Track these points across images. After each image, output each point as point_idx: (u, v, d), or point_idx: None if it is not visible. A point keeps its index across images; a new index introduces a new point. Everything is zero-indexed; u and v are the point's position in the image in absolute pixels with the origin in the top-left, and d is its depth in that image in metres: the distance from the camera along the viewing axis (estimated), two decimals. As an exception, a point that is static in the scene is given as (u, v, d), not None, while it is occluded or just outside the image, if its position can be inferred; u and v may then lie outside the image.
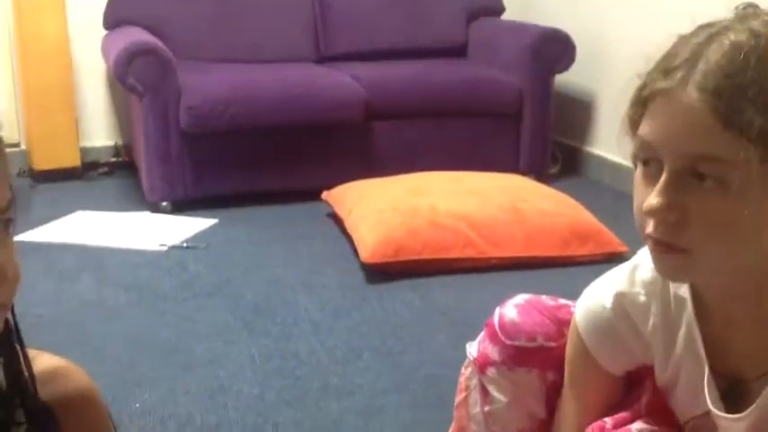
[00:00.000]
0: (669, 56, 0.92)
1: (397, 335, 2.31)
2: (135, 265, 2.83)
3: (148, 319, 2.42)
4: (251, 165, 3.46)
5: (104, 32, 3.76)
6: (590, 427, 1.17)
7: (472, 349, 1.33)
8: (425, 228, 2.77)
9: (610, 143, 3.79)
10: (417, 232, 2.76)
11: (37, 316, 2.36)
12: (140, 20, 3.72)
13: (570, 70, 3.72)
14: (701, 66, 0.87)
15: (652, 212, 0.91)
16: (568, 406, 1.23)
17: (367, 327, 2.36)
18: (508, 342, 1.26)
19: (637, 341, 1.12)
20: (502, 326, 1.28)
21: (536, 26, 3.77)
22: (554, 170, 3.92)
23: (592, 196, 3.33)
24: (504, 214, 2.87)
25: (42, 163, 3.81)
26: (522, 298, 1.31)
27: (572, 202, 3.05)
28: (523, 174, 3.57)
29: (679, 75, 0.88)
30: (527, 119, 3.71)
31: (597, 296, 1.14)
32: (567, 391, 1.24)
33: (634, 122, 0.94)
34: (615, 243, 2.82)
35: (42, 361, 0.92)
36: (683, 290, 1.05)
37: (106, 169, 3.97)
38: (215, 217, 3.29)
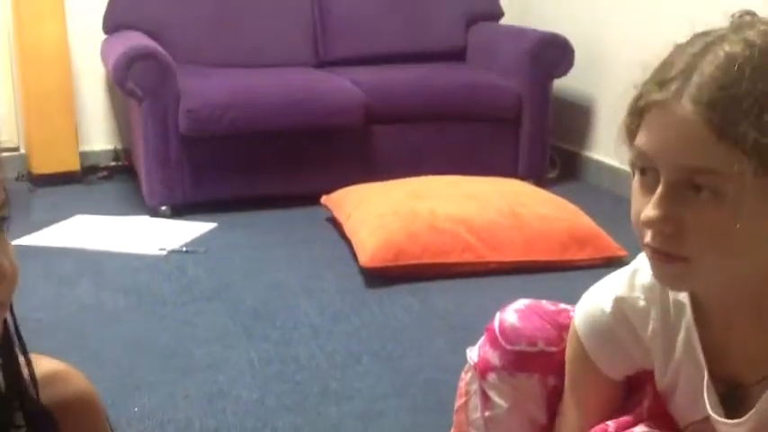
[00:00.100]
0: (665, 66, 0.92)
1: (397, 339, 2.31)
2: (134, 270, 2.82)
3: (148, 324, 2.42)
4: (250, 169, 3.46)
5: (104, 37, 3.76)
6: (593, 431, 1.17)
7: (472, 354, 1.33)
8: (425, 232, 2.77)
9: (608, 148, 3.79)
10: (417, 236, 2.76)
11: (36, 320, 2.36)
12: (140, 24, 3.73)
13: (569, 75, 3.72)
14: (696, 77, 0.88)
15: (649, 224, 0.91)
16: (569, 411, 1.23)
17: (366, 331, 2.36)
18: (509, 347, 1.27)
19: (636, 346, 1.12)
20: (502, 331, 1.28)
21: (535, 31, 3.78)
22: (553, 175, 3.92)
23: (590, 201, 3.34)
24: (503, 219, 2.87)
25: (42, 167, 3.81)
26: (522, 303, 1.31)
27: (571, 206, 3.05)
28: (522, 178, 3.57)
29: (674, 86, 0.89)
30: (526, 123, 3.71)
31: (596, 300, 1.15)
32: (567, 397, 1.24)
33: (631, 132, 0.94)
34: (614, 247, 2.83)
35: (42, 365, 0.93)
36: (682, 295, 1.05)
37: (105, 173, 3.97)
38: (214, 221, 3.29)
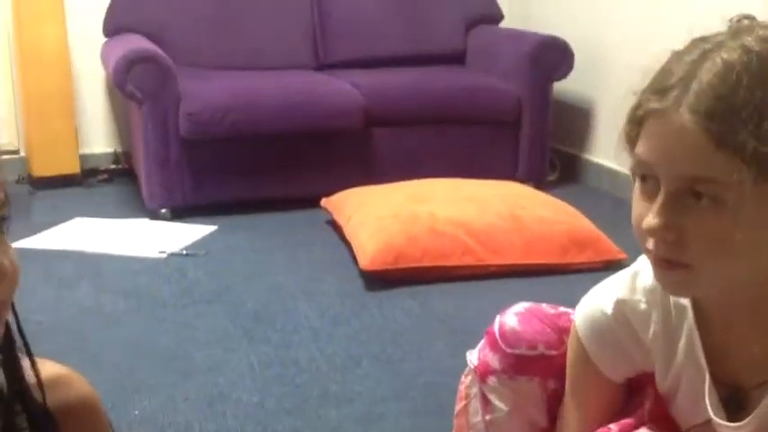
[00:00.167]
0: (663, 74, 0.92)
1: (397, 342, 2.31)
2: (134, 272, 2.82)
3: (148, 326, 2.42)
4: (250, 172, 3.46)
5: (104, 40, 3.76)
6: (595, 433, 1.18)
7: (472, 357, 1.33)
8: (425, 235, 2.77)
9: (608, 151, 3.79)
10: (417, 239, 2.76)
11: (36, 323, 2.35)
12: (140, 27, 3.73)
13: (569, 78, 3.72)
14: (694, 86, 0.87)
15: (651, 232, 0.91)
16: (570, 414, 1.23)
17: (366, 334, 2.36)
18: (509, 350, 1.27)
19: (637, 348, 1.12)
20: (502, 334, 1.28)
21: (534, 34, 3.78)
22: (552, 177, 3.92)
23: (590, 204, 3.34)
24: (502, 222, 2.87)
25: (42, 170, 3.81)
26: (522, 306, 1.31)
27: (570, 209, 3.05)
28: (522, 181, 3.57)
29: (672, 95, 0.89)
30: (526, 126, 3.71)
31: (598, 302, 1.15)
32: (568, 399, 1.24)
33: (631, 140, 0.94)
34: (614, 250, 2.83)
35: (45, 369, 0.93)
36: (684, 298, 1.05)
37: (105, 176, 3.97)
38: (214, 224, 3.29)
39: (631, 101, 0.94)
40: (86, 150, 4.01)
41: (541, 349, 1.26)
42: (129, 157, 3.99)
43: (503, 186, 3.26)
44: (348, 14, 4.01)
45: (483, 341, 1.32)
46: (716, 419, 1.03)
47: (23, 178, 3.84)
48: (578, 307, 1.19)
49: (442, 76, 3.84)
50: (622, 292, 1.11)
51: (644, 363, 1.13)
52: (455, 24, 4.09)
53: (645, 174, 0.93)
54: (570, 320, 1.24)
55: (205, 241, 3.13)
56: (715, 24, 0.94)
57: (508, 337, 1.27)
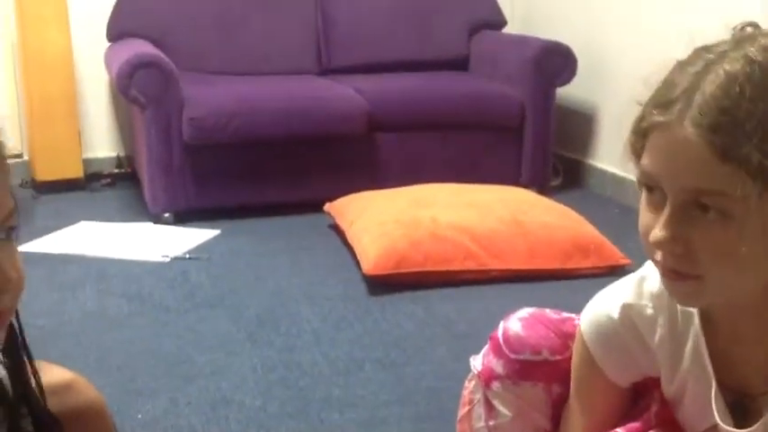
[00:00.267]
0: (666, 86, 0.91)
1: (400, 347, 2.31)
2: (137, 276, 2.83)
3: (151, 330, 2.42)
4: (253, 176, 3.46)
5: (107, 44, 3.77)
6: (605, 437, 1.17)
7: (476, 363, 1.33)
8: (427, 240, 2.77)
9: (611, 156, 3.80)
10: (419, 244, 2.76)
11: (39, 327, 2.36)
12: (143, 32, 3.74)
13: (571, 83, 3.73)
14: (697, 98, 0.87)
15: (658, 245, 0.91)
16: (574, 418, 1.23)
17: (369, 338, 2.36)
18: (513, 356, 1.26)
19: (643, 353, 1.12)
20: (506, 339, 1.27)
21: (537, 39, 3.78)
22: (556, 183, 3.92)
23: (593, 209, 3.34)
24: (505, 227, 2.87)
25: (45, 174, 3.81)
26: (526, 311, 1.31)
27: (574, 214, 3.05)
28: (525, 186, 3.57)
29: (676, 108, 0.88)
30: (529, 131, 3.72)
31: (604, 307, 1.14)
32: (572, 403, 1.24)
33: (636, 151, 0.94)
34: (617, 256, 2.82)
35: (54, 374, 0.94)
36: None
37: (109, 180, 3.98)
38: (217, 228, 3.29)
39: (635, 109, 0.94)
40: (90, 155, 4.02)
41: (546, 354, 1.25)
42: (133, 161, 4.00)
43: (506, 191, 3.26)
44: (352, 19, 4.01)
45: (487, 346, 1.31)
46: (722, 425, 1.03)
47: (27, 182, 3.84)
48: (584, 311, 1.19)
49: (445, 81, 3.84)
50: (629, 297, 1.11)
51: (650, 367, 1.13)
52: (458, 30, 4.10)
53: (651, 185, 0.93)
54: (574, 326, 1.24)
55: (208, 245, 3.13)
56: (717, 30, 0.94)
57: (512, 342, 1.27)
